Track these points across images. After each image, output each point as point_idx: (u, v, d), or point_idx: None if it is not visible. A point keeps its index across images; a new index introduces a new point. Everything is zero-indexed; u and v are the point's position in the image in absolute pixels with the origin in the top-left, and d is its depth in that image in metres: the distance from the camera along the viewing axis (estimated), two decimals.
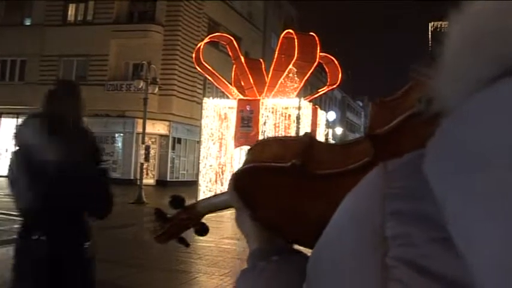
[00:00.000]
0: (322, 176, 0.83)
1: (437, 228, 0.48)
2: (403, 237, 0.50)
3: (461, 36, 0.52)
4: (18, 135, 3.46)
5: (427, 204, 0.50)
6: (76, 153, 3.14)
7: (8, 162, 3.44)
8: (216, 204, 1.15)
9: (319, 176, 0.83)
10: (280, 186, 0.88)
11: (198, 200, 1.22)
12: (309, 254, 0.90)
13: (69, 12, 32.32)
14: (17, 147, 3.42)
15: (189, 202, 1.26)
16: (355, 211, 0.58)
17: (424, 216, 0.50)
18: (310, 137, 0.92)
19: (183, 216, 1.24)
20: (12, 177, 3.39)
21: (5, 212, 14.34)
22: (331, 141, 51.98)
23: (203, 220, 1.25)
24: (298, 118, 19.26)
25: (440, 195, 0.48)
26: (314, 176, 0.84)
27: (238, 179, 0.94)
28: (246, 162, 0.93)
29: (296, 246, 0.94)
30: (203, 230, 1.26)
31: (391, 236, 0.51)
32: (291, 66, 18.93)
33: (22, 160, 3.27)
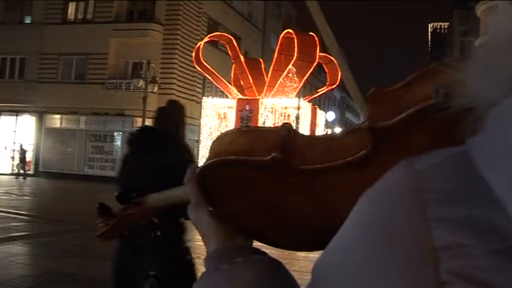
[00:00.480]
0: (305, 171, 0.75)
1: (499, 237, 0.42)
2: (456, 248, 0.43)
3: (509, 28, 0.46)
4: (132, 142, 4.19)
5: (481, 209, 0.44)
6: (177, 161, 3.42)
7: (119, 164, 4.20)
8: (169, 198, 1.06)
9: (303, 171, 0.75)
10: (253, 181, 0.80)
11: (149, 194, 1.11)
12: (267, 251, 0.86)
13: (69, 11, 32.32)
14: (129, 152, 4.15)
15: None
16: (384, 219, 0.50)
17: (480, 223, 0.43)
18: (289, 127, 0.82)
19: (131, 211, 1.14)
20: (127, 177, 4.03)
21: (4, 210, 14.35)
22: None
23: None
24: (297, 118, 19.27)
25: (507, 199, 0.42)
26: (297, 172, 0.76)
27: (201, 173, 0.85)
28: (211, 156, 0.85)
29: (255, 243, 0.88)
30: (153, 226, 1.16)
31: (441, 246, 0.44)
32: (290, 66, 18.94)
33: (134, 163, 3.94)
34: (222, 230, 0.86)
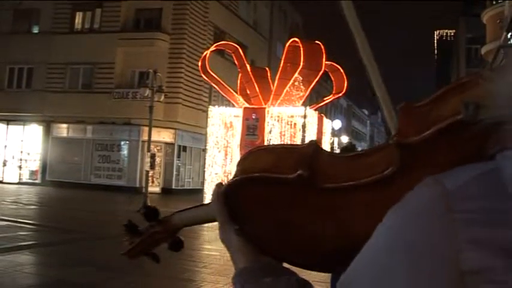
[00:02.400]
0: (331, 189, 0.75)
1: None
2: (485, 272, 0.41)
3: None
4: None
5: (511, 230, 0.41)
6: None
7: None
8: (195, 217, 1.06)
9: (329, 189, 0.75)
10: (279, 199, 0.79)
11: (175, 211, 1.12)
12: (296, 272, 0.83)
13: (76, 20, 32.49)
14: None
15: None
16: (411, 239, 0.48)
17: (510, 244, 0.41)
18: (316, 145, 0.83)
19: (156, 229, 1.14)
20: None
21: (11, 219, 14.38)
22: (337, 150, 51.90)
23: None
24: (303, 126, 19.25)
25: None
26: (323, 190, 0.75)
27: (227, 191, 0.86)
28: (237, 173, 0.84)
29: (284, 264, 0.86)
30: (177, 245, 1.15)
31: (469, 270, 0.42)
32: (296, 74, 18.94)
33: None
34: (250, 249, 0.85)
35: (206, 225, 1.17)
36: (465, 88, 0.60)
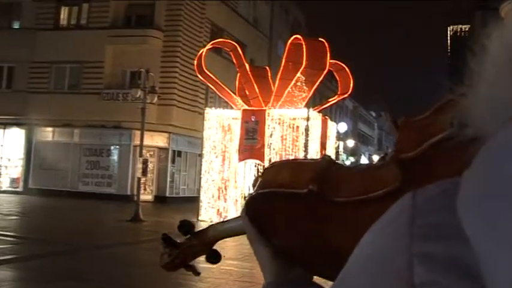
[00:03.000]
0: (342, 203, 0.82)
1: (473, 277, 0.43)
2: (435, 285, 0.45)
3: (503, 53, 0.47)
4: None
5: (461, 248, 0.45)
6: None
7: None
8: (230, 229, 1.14)
9: (338, 203, 0.82)
10: (297, 213, 0.87)
11: (211, 224, 1.21)
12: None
13: (62, 16, 32.42)
14: None
15: (189, 219, 1.24)
16: (376, 249, 0.53)
17: (457, 262, 0.44)
18: (329, 160, 0.91)
19: (193, 242, 1.22)
20: None
21: None
22: (342, 154, 51.95)
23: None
24: (306, 130, 19.26)
25: (477, 240, 0.43)
26: (333, 204, 0.83)
27: (250, 204, 0.95)
28: (259, 187, 0.94)
29: (316, 278, 0.92)
30: (215, 257, 1.23)
31: (419, 283, 0.46)
32: (299, 74, 18.95)
33: None
34: (278, 263, 0.91)
35: None
36: (450, 106, 0.64)
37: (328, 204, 0.83)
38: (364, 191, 0.80)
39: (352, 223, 0.79)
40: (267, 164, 18.97)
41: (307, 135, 19.22)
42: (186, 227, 1.22)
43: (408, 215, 0.51)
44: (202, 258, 1.22)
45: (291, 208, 0.87)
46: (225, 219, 1.18)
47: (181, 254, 1.23)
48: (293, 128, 19.82)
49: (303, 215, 0.86)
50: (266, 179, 0.94)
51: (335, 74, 21.29)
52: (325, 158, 0.91)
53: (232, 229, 1.13)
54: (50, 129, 31.15)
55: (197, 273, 1.27)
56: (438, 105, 0.71)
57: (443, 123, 0.66)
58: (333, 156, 22.44)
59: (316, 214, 0.85)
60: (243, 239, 1.04)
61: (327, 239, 0.84)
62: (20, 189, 30.86)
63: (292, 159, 1.00)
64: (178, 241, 1.25)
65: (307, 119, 19.19)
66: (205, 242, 1.20)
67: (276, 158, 19.00)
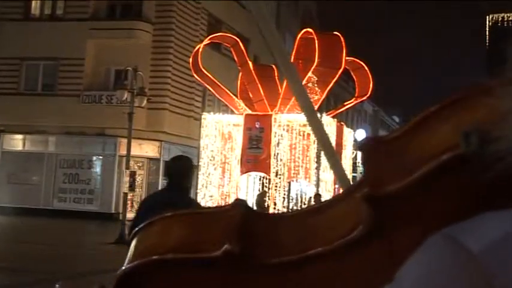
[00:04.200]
0: (280, 265, 0.66)
1: None
2: None
3: None
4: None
5: None
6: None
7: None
8: None
9: (275, 266, 0.66)
10: (207, 287, 0.69)
11: None
12: None
13: (33, 5, 32.41)
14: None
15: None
16: None
17: None
18: (245, 205, 0.72)
19: None
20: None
21: None
22: (361, 166, 51.67)
23: None
24: None
25: None
26: (266, 268, 0.66)
27: (121, 281, 0.76)
28: (136, 256, 0.75)
29: None
30: None
31: None
32: (310, 73, 18.96)
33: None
34: None
35: None
36: (460, 109, 0.54)
37: (257, 269, 0.66)
38: (308, 245, 0.65)
39: None
40: (273, 177, 18.98)
41: (319, 144, 19.23)
42: None
43: (475, 275, 0.45)
44: None
45: (195, 283, 0.69)
46: None
47: None
48: (303, 135, 19.82)
49: None
50: (144, 245, 0.74)
51: (352, 73, 21.29)
52: (237, 203, 0.72)
53: None
54: (19, 136, 31.17)
55: None
56: (426, 114, 0.57)
57: (444, 139, 0.55)
58: (350, 169, 22.35)
59: (237, 286, 0.67)
60: None
61: None
62: None
63: (183, 211, 0.77)
64: None
65: None
66: None
67: (283, 170, 19.00)
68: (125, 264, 0.75)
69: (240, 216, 0.69)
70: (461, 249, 0.47)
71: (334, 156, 1.08)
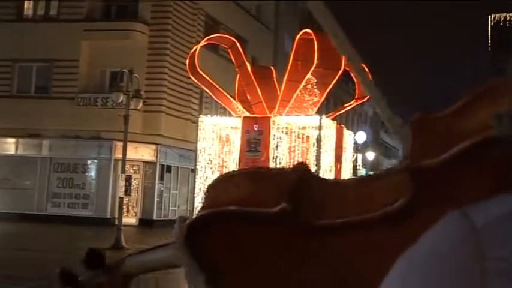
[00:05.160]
0: (325, 229, 0.72)
1: None
2: None
3: None
4: None
5: None
6: None
7: None
8: (152, 262, 1.00)
9: (320, 229, 0.72)
10: (263, 240, 0.76)
11: (126, 256, 1.05)
12: None
13: (26, 5, 32.40)
14: None
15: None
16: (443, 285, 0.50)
17: None
18: (304, 169, 0.79)
19: (102, 279, 1.07)
20: None
21: None
22: (361, 169, 51.85)
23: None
24: (318, 140, 19.25)
25: None
26: (312, 230, 0.72)
27: (191, 229, 0.82)
28: (206, 206, 0.81)
29: None
30: None
31: None
32: (309, 75, 18.97)
33: None
34: None
35: None
36: (497, 95, 0.57)
37: (305, 230, 0.71)
38: (354, 211, 0.70)
39: (335, 256, 0.68)
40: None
41: (319, 146, 19.20)
42: (94, 258, 1.07)
43: (476, 246, 0.48)
44: None
45: (254, 235, 0.74)
46: (146, 249, 0.98)
47: None
48: (303, 138, 19.81)
49: (271, 245, 0.73)
50: (215, 195, 0.80)
51: (352, 74, 21.28)
52: (298, 166, 0.79)
53: (157, 262, 0.98)
54: (12, 140, 31.17)
55: None
56: (468, 98, 0.62)
57: (481, 121, 0.59)
58: (351, 172, 22.37)
59: (287, 243, 0.72)
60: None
61: (300, 280, 0.72)
62: None
63: (251, 168, 0.86)
64: (82, 279, 1.08)
65: (320, 127, 19.19)
66: (117, 280, 1.04)
67: None
68: (195, 214, 0.81)
69: (297, 180, 0.75)
70: (466, 222, 0.50)
71: None
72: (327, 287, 0.65)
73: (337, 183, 0.74)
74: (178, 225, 0.83)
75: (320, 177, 0.75)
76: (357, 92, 21.85)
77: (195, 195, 20.63)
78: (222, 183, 0.81)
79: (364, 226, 0.67)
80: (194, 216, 0.79)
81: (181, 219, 0.80)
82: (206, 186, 0.82)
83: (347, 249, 0.67)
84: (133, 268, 1.03)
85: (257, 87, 20.02)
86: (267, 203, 0.72)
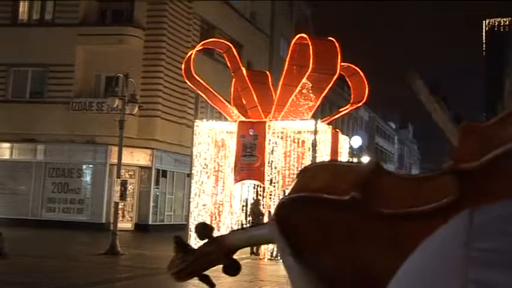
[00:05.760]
0: (389, 215, 0.82)
1: None
2: None
3: None
4: None
5: None
6: None
7: None
8: (251, 237, 1.17)
9: (385, 215, 0.82)
10: (335, 224, 0.87)
11: (231, 231, 1.28)
12: None
13: (21, 9, 32.34)
14: None
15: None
16: (425, 272, 0.55)
17: None
18: (377, 164, 0.91)
19: (211, 248, 1.24)
20: None
21: None
22: None
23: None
24: (314, 145, 19.26)
25: None
26: (378, 215, 0.82)
27: (281, 210, 0.95)
28: (293, 191, 0.94)
29: None
30: (233, 268, 1.26)
31: None
32: (304, 79, 18.99)
33: None
34: (309, 279, 0.92)
35: None
36: None
37: (374, 217, 0.82)
38: (416, 202, 0.80)
39: (399, 241, 0.77)
40: (267, 186, 19.00)
41: (314, 151, 19.21)
42: (204, 230, 1.26)
43: (465, 236, 0.52)
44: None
45: (329, 219, 0.87)
46: (249, 227, 1.21)
47: (196, 262, 1.24)
48: (298, 143, 19.83)
49: (342, 229, 0.85)
50: (301, 182, 0.94)
51: (347, 79, 21.33)
52: (372, 160, 0.91)
53: (256, 237, 1.15)
54: (7, 145, 31.08)
55: (212, 285, 1.30)
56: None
57: None
58: None
59: (358, 227, 0.84)
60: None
61: (370, 266, 0.81)
62: None
63: (335, 161, 0.99)
64: (193, 247, 1.28)
65: (315, 132, 19.21)
66: (223, 250, 1.21)
67: (278, 178, 19.01)
68: (284, 197, 0.94)
69: (368, 171, 0.87)
70: (467, 218, 0.54)
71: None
72: (391, 266, 0.72)
73: (402, 177, 0.85)
74: (276, 207, 0.98)
75: (389, 171, 0.86)
76: (352, 96, 21.88)
77: (191, 199, 20.62)
78: (308, 172, 0.95)
79: (419, 216, 0.77)
80: (281, 199, 0.94)
81: (279, 202, 0.96)
82: (298, 170, 0.96)
83: (406, 236, 0.75)
84: (236, 242, 1.20)
85: (253, 91, 20.03)
86: (341, 191, 0.84)
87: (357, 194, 0.80)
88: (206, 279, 1.28)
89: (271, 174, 19.10)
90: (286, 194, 0.94)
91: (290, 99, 19.34)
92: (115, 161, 22.62)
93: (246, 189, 21.24)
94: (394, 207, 0.79)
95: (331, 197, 0.83)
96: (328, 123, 20.63)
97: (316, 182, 0.88)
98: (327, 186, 0.86)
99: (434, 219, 0.73)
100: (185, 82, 22.24)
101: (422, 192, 0.79)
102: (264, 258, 18.85)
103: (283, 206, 0.93)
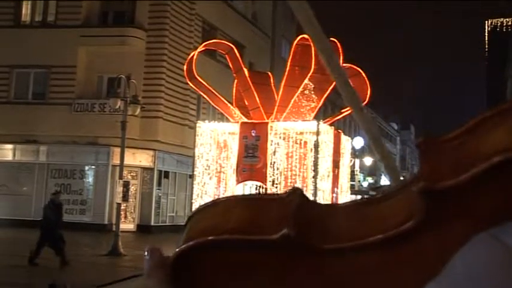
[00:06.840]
0: (334, 252, 0.69)
1: None
2: None
3: None
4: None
5: None
6: None
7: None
8: None
9: (328, 252, 0.69)
10: (256, 270, 0.73)
11: None
12: None
13: (24, 11, 32.43)
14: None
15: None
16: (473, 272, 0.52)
17: None
18: (301, 193, 0.77)
19: None
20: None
21: None
22: (359, 174, 51.79)
23: None
24: (316, 146, 19.24)
25: None
26: (319, 253, 0.70)
27: (179, 261, 0.78)
28: (191, 236, 0.78)
29: None
30: None
31: None
32: (306, 80, 18.98)
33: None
34: None
35: None
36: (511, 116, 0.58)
37: (311, 254, 0.69)
38: (362, 233, 0.68)
39: (343, 280, 0.68)
40: (269, 187, 18.98)
41: (317, 152, 19.19)
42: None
43: (510, 268, 0.49)
44: None
45: (251, 264, 0.72)
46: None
47: None
48: (300, 143, 19.80)
49: (267, 272, 0.71)
50: (201, 225, 0.77)
51: (349, 80, 21.29)
52: (294, 190, 0.76)
53: None
54: (9, 146, 31.12)
55: None
56: (480, 118, 0.62)
57: (499, 141, 0.58)
58: (348, 177, 22.32)
59: (293, 270, 0.70)
60: None
61: None
62: None
63: (240, 196, 0.83)
64: None
65: (317, 133, 19.19)
66: None
67: (280, 179, 18.99)
68: (181, 244, 0.78)
69: (296, 203, 0.73)
70: (501, 245, 0.51)
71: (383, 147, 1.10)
72: None
73: (336, 207, 0.72)
74: (152, 256, 0.79)
75: (316, 202, 0.74)
76: None
77: (193, 201, 20.60)
78: (213, 210, 0.78)
79: (374, 246, 0.67)
80: (179, 249, 0.76)
81: (155, 250, 0.78)
82: (189, 216, 0.79)
83: (354, 272, 0.66)
84: None
85: (255, 92, 20.02)
86: (266, 229, 0.70)
87: (290, 231, 0.68)
88: None
89: (273, 175, 19.07)
90: (181, 243, 0.78)
91: (292, 100, 19.33)
92: (117, 162, 22.63)
93: (248, 190, 21.19)
94: (337, 240, 0.69)
95: (254, 238, 0.70)
96: (331, 124, 20.60)
97: (231, 221, 0.73)
98: (248, 225, 0.72)
99: (391, 247, 0.65)
100: (187, 83, 22.22)
101: (373, 218, 0.69)
102: None
103: (180, 257, 0.77)
